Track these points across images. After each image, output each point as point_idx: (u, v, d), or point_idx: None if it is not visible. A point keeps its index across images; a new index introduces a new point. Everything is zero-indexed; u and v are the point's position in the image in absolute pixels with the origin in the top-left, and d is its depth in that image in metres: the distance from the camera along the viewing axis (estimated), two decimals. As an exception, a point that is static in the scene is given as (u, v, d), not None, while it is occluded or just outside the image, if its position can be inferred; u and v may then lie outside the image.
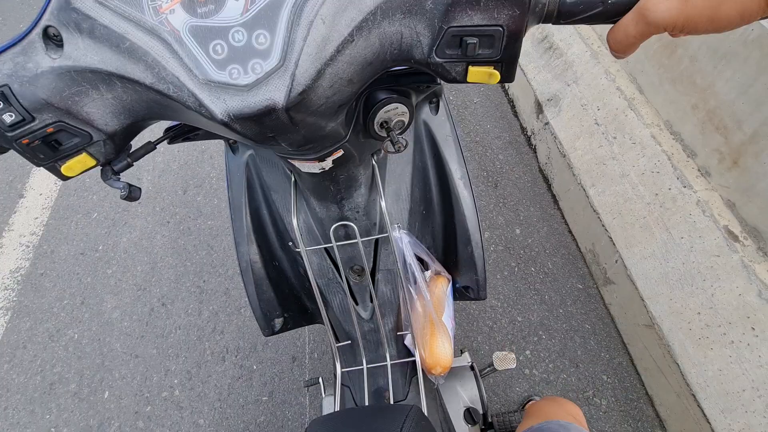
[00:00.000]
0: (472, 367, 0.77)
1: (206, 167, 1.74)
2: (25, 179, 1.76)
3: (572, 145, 1.39)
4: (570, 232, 1.44)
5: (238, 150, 0.63)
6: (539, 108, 1.55)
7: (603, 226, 1.24)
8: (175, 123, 0.48)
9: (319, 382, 0.74)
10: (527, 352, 1.24)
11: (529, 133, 1.67)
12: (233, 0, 0.27)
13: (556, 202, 1.51)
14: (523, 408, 1.14)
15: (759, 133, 0.92)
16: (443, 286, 0.65)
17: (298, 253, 0.63)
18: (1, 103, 0.30)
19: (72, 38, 0.29)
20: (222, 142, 0.64)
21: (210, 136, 0.53)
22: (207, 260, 1.48)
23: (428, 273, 0.65)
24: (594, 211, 1.28)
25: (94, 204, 1.66)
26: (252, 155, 0.63)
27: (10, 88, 0.30)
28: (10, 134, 0.31)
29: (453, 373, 0.76)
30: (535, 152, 1.63)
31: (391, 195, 0.62)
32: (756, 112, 0.91)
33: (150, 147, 0.41)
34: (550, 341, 1.25)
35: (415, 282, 0.57)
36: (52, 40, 0.30)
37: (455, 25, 0.29)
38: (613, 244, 1.21)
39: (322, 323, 0.72)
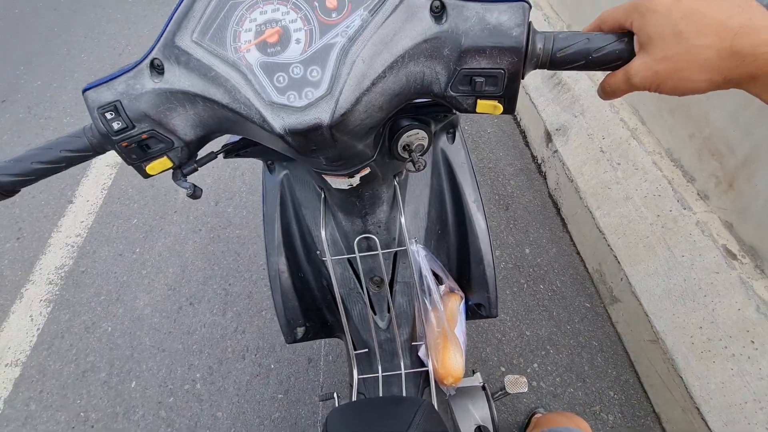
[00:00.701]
0: (483, 387, 0.79)
1: (237, 182, 1.88)
2: (75, 187, 1.93)
3: (579, 171, 1.49)
4: (578, 253, 1.50)
5: (274, 170, 0.70)
6: (549, 137, 1.66)
7: (609, 245, 1.31)
8: (232, 140, 0.58)
9: (333, 397, 0.77)
10: (535, 365, 1.27)
11: (539, 161, 1.77)
12: (295, 43, 0.36)
13: (564, 225, 1.58)
14: (528, 421, 1.16)
15: (750, 158, 1.00)
16: (456, 302, 0.69)
17: (323, 263, 0.70)
18: (113, 114, 0.39)
19: (171, 67, 0.39)
20: (259, 163, 0.73)
21: (256, 154, 0.62)
22: (234, 266, 1.58)
23: (442, 287, 0.69)
24: (600, 231, 1.35)
25: (135, 211, 1.81)
26: (287, 175, 0.70)
27: (121, 103, 0.39)
28: (115, 138, 0.40)
29: (465, 392, 0.78)
30: (545, 178, 1.72)
31: (410, 213, 0.68)
32: (746, 139, 1.00)
33: (212, 156, 0.50)
34: (557, 356, 1.28)
35: (430, 294, 0.62)
36: (156, 68, 0.40)
37: (466, 67, 0.37)
38: (618, 262, 1.26)
39: (340, 337, 0.77)
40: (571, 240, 1.54)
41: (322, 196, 0.61)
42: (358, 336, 0.69)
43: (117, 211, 1.82)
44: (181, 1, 0.39)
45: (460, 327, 0.67)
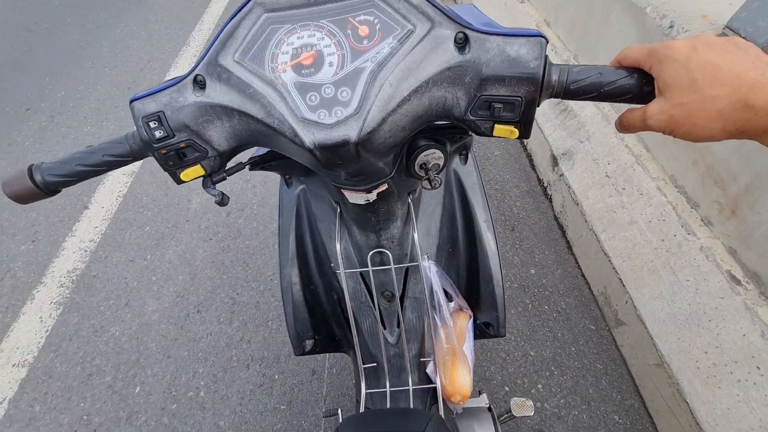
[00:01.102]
0: (489, 409, 0.79)
1: (249, 194, 1.93)
2: (91, 194, 1.99)
3: (585, 194, 1.52)
4: (583, 275, 1.52)
5: (292, 184, 0.73)
6: (555, 161, 1.70)
7: (614, 268, 1.33)
8: (258, 153, 0.61)
9: (338, 413, 0.77)
10: (539, 385, 1.27)
11: (545, 184, 1.81)
12: (328, 66, 0.39)
13: (569, 247, 1.60)
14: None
15: (752, 187, 1.03)
16: (465, 320, 0.70)
17: (335, 277, 0.72)
18: (156, 123, 0.42)
19: (213, 83, 0.42)
20: (271, 176, 0.75)
21: (279, 167, 0.65)
22: (242, 275, 1.61)
23: (452, 305, 0.70)
24: (605, 254, 1.37)
25: (148, 219, 1.85)
26: (303, 189, 0.72)
27: (164, 113, 0.43)
28: (156, 145, 0.43)
29: (471, 412, 0.78)
30: (551, 201, 1.76)
31: (423, 230, 0.70)
32: (748, 168, 1.03)
33: (241, 167, 0.54)
34: (562, 377, 1.28)
35: (440, 311, 0.62)
36: (198, 83, 0.43)
37: (486, 94, 0.40)
38: (623, 285, 1.28)
39: (347, 352, 0.78)
40: (576, 262, 1.55)
41: (338, 210, 0.63)
42: (367, 350, 0.70)
43: (130, 218, 1.86)
44: (227, 24, 0.42)
45: (468, 345, 0.68)
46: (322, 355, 1.36)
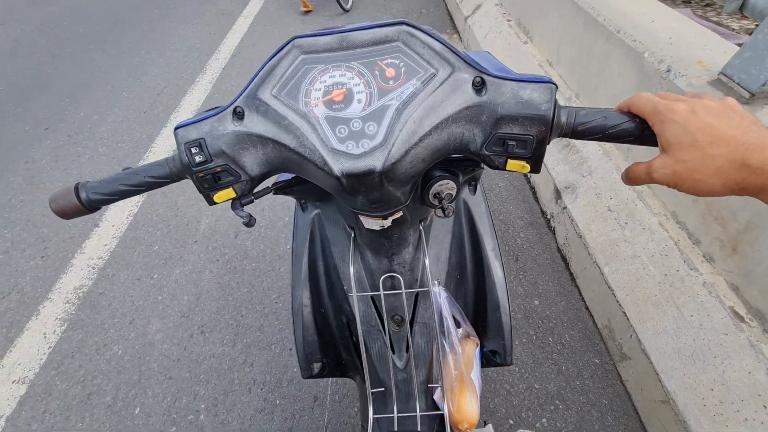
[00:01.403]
0: None
1: (257, 217, 1.96)
2: (102, 212, 2.02)
3: (588, 227, 1.55)
4: (587, 308, 1.52)
5: (307, 209, 0.76)
6: (558, 194, 1.74)
7: (617, 302, 1.34)
8: (281, 178, 0.65)
9: None
10: (544, 420, 1.25)
11: (548, 216, 1.84)
12: (356, 102, 0.43)
13: (573, 279, 1.61)
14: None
15: (751, 224, 1.06)
16: (472, 348, 0.70)
17: (345, 300, 0.73)
18: (197, 149, 0.46)
19: (251, 115, 0.46)
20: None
21: (301, 192, 0.68)
22: (247, 297, 1.61)
23: (460, 331, 0.69)
24: (609, 287, 1.38)
25: (157, 238, 1.88)
26: (318, 214, 0.75)
27: (204, 140, 0.46)
28: (194, 169, 0.47)
29: None
30: (554, 233, 1.78)
31: (433, 257, 0.72)
32: (746, 206, 1.06)
33: (268, 191, 0.57)
34: (566, 412, 1.26)
35: (449, 336, 0.63)
36: (237, 114, 0.47)
37: (500, 132, 0.44)
38: (627, 319, 1.29)
39: (353, 378, 0.79)
40: (580, 295, 1.56)
41: (352, 234, 0.66)
42: (375, 374, 0.70)
43: (140, 237, 1.89)
44: (267, 62, 0.47)
45: (475, 372, 0.68)
46: (324, 381, 1.35)
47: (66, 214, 0.50)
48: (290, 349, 1.44)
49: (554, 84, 0.44)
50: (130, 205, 2.07)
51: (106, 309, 1.60)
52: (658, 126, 0.39)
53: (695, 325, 1.13)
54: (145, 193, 2.13)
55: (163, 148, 2.44)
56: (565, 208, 1.67)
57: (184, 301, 1.61)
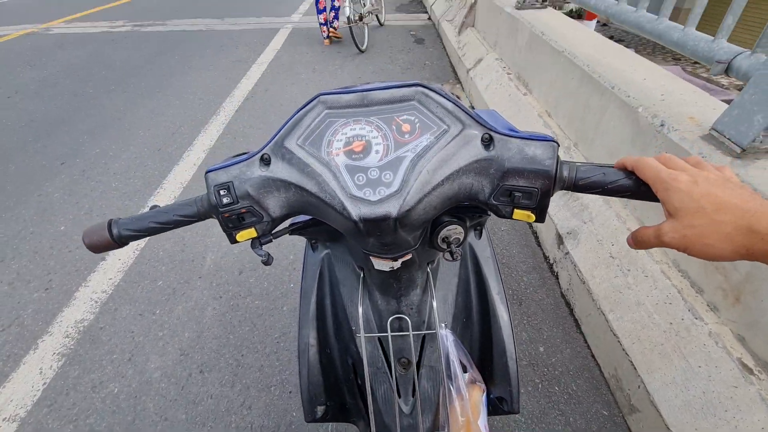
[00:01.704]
0: None
1: (262, 255, 1.98)
2: (110, 246, 2.05)
3: (591, 273, 1.56)
4: (593, 356, 1.50)
5: (317, 248, 0.77)
6: (560, 240, 1.77)
7: (623, 350, 1.32)
8: (297, 220, 0.68)
9: None
10: (552, 475, 1.20)
11: (551, 261, 1.86)
12: (374, 153, 0.47)
13: (578, 326, 1.60)
14: None
15: (752, 275, 1.07)
16: (479, 394, 0.69)
17: (351, 341, 0.74)
18: (226, 191, 0.50)
19: (277, 161, 0.50)
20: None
21: (315, 233, 0.71)
22: (249, 336, 1.60)
23: (466, 376, 0.69)
24: (614, 335, 1.37)
25: (162, 273, 1.89)
26: (328, 254, 0.76)
27: (233, 183, 0.50)
28: (221, 209, 0.50)
29: None
30: (557, 278, 1.79)
31: (440, 299, 0.73)
32: (746, 257, 1.08)
33: (285, 231, 0.60)
34: (576, 467, 1.21)
35: (456, 381, 0.63)
36: (264, 161, 0.50)
37: (507, 184, 0.47)
38: (635, 369, 1.26)
39: (356, 424, 0.79)
40: (585, 342, 1.54)
41: (361, 275, 0.67)
42: (380, 419, 0.70)
43: (145, 272, 1.90)
44: (294, 115, 0.51)
45: (482, 420, 0.67)
46: (324, 427, 1.30)
47: (97, 248, 0.53)
48: (290, 392, 1.41)
49: (556, 142, 0.48)
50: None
51: (106, 344, 1.58)
52: (662, 193, 0.41)
53: (704, 377, 1.11)
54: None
55: (174, 185, 2.50)
56: (567, 253, 1.69)
57: (185, 338, 1.59)
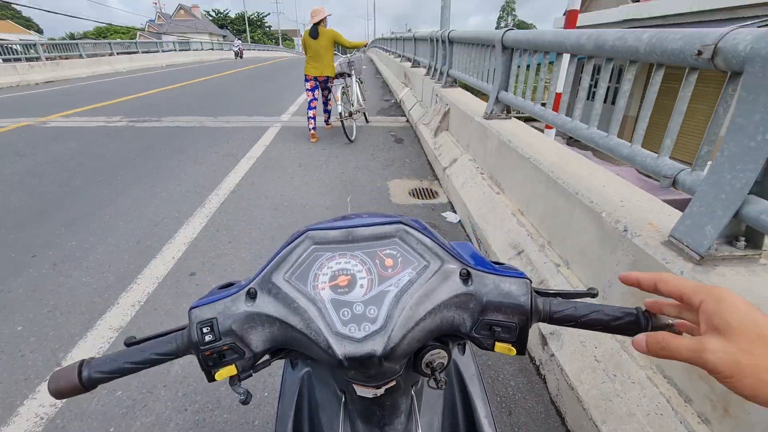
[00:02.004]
0: None
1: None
2: (69, 348, 1.89)
3: (578, 378, 1.52)
4: (591, 475, 1.38)
5: (297, 366, 0.76)
6: (544, 340, 1.75)
7: (622, 469, 1.23)
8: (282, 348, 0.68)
9: None
10: None
11: (537, 363, 1.81)
12: (359, 287, 0.48)
13: (571, 437, 1.50)
14: None
15: (735, 385, 1.07)
16: None
17: None
18: (209, 329, 0.48)
19: (263, 296, 0.49)
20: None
21: (296, 355, 0.67)
22: (212, 459, 1.42)
23: None
24: (610, 450, 1.29)
25: (123, 382, 1.73)
26: (308, 372, 0.75)
27: (217, 320, 0.48)
28: (202, 347, 0.48)
29: None
30: (545, 382, 1.73)
31: (425, 425, 0.70)
32: (725, 365, 1.09)
33: (267, 363, 0.58)
34: None
35: None
36: (251, 295, 0.50)
37: (487, 318, 0.49)
38: (637, 492, 1.17)
39: None
40: (581, 457, 1.44)
41: (343, 399, 0.65)
42: None
43: (103, 380, 1.74)
44: (281, 250, 0.53)
45: None
46: None
47: (62, 393, 0.50)
48: None
49: (528, 279, 0.52)
50: (102, 341, 1.95)
51: (43, 474, 1.37)
52: (711, 305, 0.34)
53: (709, 503, 1.03)
54: (120, 329, 2.05)
55: (149, 280, 2.43)
56: (552, 355, 1.66)
57: (138, 464, 1.40)
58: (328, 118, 6.01)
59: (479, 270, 0.53)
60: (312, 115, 5.42)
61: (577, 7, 5.81)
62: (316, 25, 5.01)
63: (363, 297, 0.48)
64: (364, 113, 6.40)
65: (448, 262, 0.53)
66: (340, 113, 5.05)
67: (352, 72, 5.69)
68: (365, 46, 6.91)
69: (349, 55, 6.08)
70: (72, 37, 56.74)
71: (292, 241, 0.54)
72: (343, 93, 5.31)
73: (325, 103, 5.77)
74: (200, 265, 2.59)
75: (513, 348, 0.50)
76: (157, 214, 3.31)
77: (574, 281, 1.84)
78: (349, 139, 5.30)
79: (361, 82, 6.11)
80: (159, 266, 2.57)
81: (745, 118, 1.12)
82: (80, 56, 15.84)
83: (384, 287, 0.49)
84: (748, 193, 1.14)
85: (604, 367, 1.46)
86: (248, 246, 2.83)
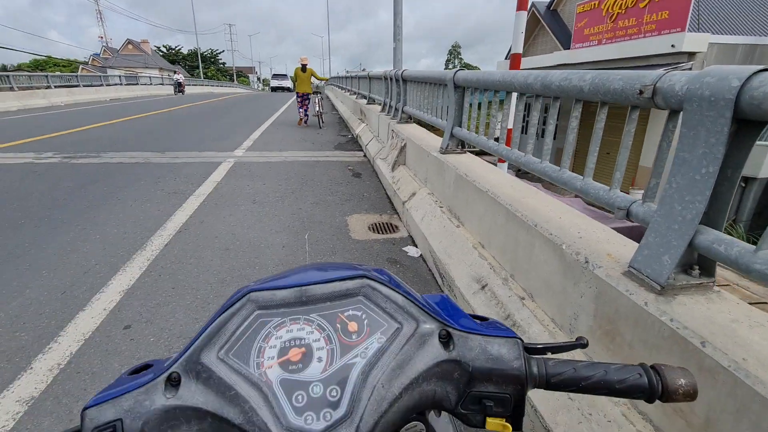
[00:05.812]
0: None
1: None
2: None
3: (554, 420, 1.45)
4: None
5: None
6: (515, 379, 1.68)
7: None
8: None
9: None
10: None
11: (509, 404, 1.73)
12: (317, 361, 0.39)
13: (551, 486, 1.41)
14: None
15: (711, 420, 1.04)
16: None
17: None
18: None
19: (188, 383, 0.39)
20: None
21: None
22: None
23: None
24: (593, 500, 1.21)
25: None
26: None
27: (122, 422, 0.37)
28: None
29: None
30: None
31: None
32: (701, 398, 1.07)
33: None
34: None
35: None
36: (172, 382, 0.39)
37: (475, 390, 0.41)
38: None
39: None
40: None
41: None
42: None
43: (3, 470, 1.42)
44: (214, 319, 0.42)
45: None
46: None
47: None
48: None
49: (520, 339, 0.44)
50: (4, 418, 1.62)
51: None
52: None
53: None
54: (26, 404, 1.72)
55: (72, 338, 2.10)
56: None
57: None
58: (306, 120, 10.57)
59: (461, 330, 0.44)
60: (300, 112, 10.55)
61: (521, 50, 6.30)
62: (303, 65, 10.00)
63: (322, 374, 0.38)
64: (322, 115, 10.81)
65: (424, 322, 0.44)
66: (317, 111, 10.43)
67: (320, 92, 11.07)
68: (327, 80, 13.26)
69: (318, 83, 11.42)
70: (4, 68, 53.23)
71: (229, 307, 0.43)
72: (316, 102, 10.44)
73: (304, 109, 10.47)
74: (137, 317, 2.30)
75: (508, 424, 0.42)
76: (88, 259, 2.96)
77: (540, 315, 1.82)
78: (320, 127, 10.04)
79: (323, 99, 10.86)
80: (87, 320, 2.25)
81: (689, 152, 1.18)
82: (11, 88, 14.73)
83: (348, 359, 0.40)
84: (699, 223, 1.17)
85: (578, 406, 1.40)
86: (194, 292, 2.57)
